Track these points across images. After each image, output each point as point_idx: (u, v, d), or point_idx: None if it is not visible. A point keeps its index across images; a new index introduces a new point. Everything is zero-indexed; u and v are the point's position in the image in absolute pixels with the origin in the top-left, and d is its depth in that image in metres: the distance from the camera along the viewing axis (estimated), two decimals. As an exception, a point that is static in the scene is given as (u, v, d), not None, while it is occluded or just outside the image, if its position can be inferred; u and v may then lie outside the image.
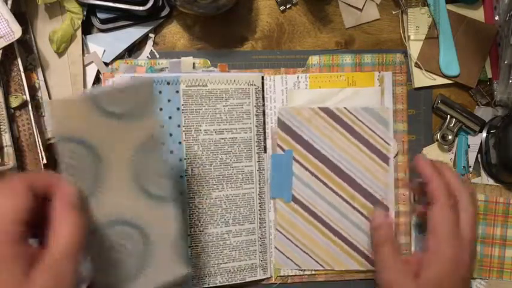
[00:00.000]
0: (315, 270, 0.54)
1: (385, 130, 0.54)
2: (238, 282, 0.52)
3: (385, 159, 0.54)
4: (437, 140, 0.56)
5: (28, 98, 0.49)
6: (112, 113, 0.38)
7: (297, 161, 0.54)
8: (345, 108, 0.54)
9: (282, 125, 0.54)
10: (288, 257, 0.54)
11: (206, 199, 0.52)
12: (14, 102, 0.48)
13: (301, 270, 0.54)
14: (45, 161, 0.50)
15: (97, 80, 0.54)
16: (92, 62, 0.54)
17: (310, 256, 0.54)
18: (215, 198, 0.52)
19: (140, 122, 0.39)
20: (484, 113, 0.57)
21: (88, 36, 0.54)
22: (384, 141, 0.54)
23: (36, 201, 0.34)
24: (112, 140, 0.38)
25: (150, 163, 0.40)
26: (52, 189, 0.35)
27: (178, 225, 0.42)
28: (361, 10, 0.57)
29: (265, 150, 0.54)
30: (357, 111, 0.54)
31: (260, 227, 0.53)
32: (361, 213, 0.54)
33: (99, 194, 0.39)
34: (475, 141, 0.57)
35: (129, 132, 0.39)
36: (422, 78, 0.56)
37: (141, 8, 0.52)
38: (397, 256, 0.47)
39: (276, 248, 0.54)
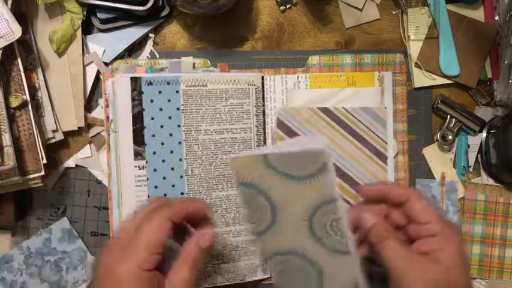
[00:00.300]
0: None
1: (383, 130, 0.54)
2: (239, 282, 0.52)
3: (383, 158, 0.54)
4: (437, 140, 0.56)
5: (28, 98, 0.49)
6: (285, 173, 0.44)
7: None
8: (343, 108, 0.54)
9: (282, 125, 0.54)
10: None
11: (206, 199, 0.52)
12: (14, 102, 0.48)
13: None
14: (45, 161, 0.50)
15: (97, 79, 0.54)
16: (92, 62, 0.54)
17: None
18: (215, 198, 0.52)
19: (314, 180, 0.44)
20: (484, 113, 0.57)
21: (88, 36, 0.54)
22: (382, 140, 0.54)
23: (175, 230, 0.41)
24: (284, 191, 0.45)
25: (326, 216, 0.45)
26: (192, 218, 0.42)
27: (357, 276, 0.45)
28: (361, 10, 0.57)
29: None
30: (355, 111, 0.54)
31: None
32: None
33: (270, 233, 0.46)
34: (475, 141, 0.57)
35: (303, 188, 0.45)
36: (422, 78, 0.56)
37: (141, 8, 0.52)
38: (406, 245, 0.41)
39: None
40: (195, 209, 0.42)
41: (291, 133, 0.54)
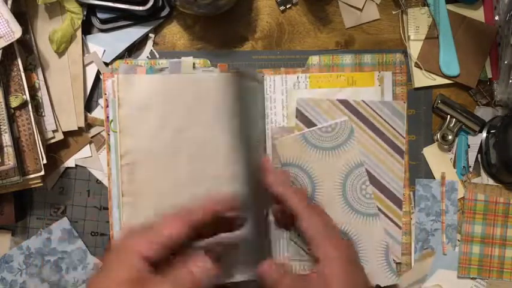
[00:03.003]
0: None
1: (402, 124, 0.55)
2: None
3: (400, 153, 0.55)
4: (437, 140, 0.56)
5: (28, 98, 0.49)
6: (319, 146, 0.53)
7: None
8: (362, 101, 0.54)
9: (301, 115, 0.54)
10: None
11: None
12: (14, 102, 0.48)
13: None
14: (45, 161, 0.50)
15: (97, 79, 0.54)
16: (92, 62, 0.54)
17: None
18: None
19: (343, 152, 0.53)
20: (484, 113, 0.57)
21: (88, 36, 0.54)
22: (400, 134, 0.55)
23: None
24: (320, 164, 0.53)
25: (356, 181, 0.53)
26: None
27: (385, 237, 0.53)
28: (361, 10, 0.57)
29: (265, 151, 0.54)
30: (375, 104, 0.54)
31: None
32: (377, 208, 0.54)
33: None
34: (475, 141, 0.57)
35: (333, 159, 0.53)
36: (422, 78, 0.56)
37: (141, 8, 0.52)
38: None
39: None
40: (213, 213, 0.41)
41: (309, 124, 0.54)
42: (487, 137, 0.56)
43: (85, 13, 0.53)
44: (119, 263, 0.37)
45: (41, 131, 0.51)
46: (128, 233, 0.39)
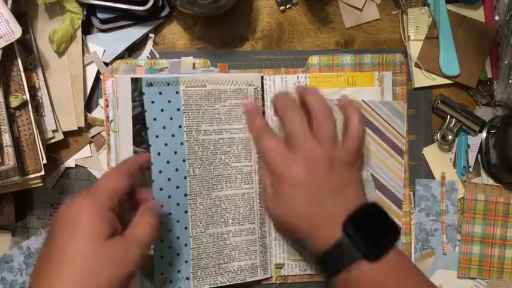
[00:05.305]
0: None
1: (402, 124, 0.55)
2: (239, 282, 0.52)
3: (400, 153, 0.55)
4: (437, 140, 0.56)
5: (28, 98, 0.49)
6: None
7: None
8: (362, 100, 0.54)
9: None
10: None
11: (206, 199, 0.51)
12: (14, 102, 0.48)
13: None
14: (45, 161, 0.50)
15: (97, 79, 0.54)
16: (92, 62, 0.54)
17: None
18: (215, 198, 0.52)
19: None
20: (484, 113, 0.57)
21: (88, 36, 0.54)
22: (400, 134, 0.55)
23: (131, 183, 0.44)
24: None
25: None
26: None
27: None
28: (361, 10, 0.57)
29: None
30: (375, 104, 0.54)
31: (260, 227, 0.53)
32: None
33: None
34: (475, 141, 0.57)
35: None
36: (422, 78, 0.56)
37: (141, 8, 0.52)
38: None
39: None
40: (144, 161, 0.48)
41: None
42: (487, 137, 0.56)
43: (85, 13, 0.53)
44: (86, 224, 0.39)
45: (41, 131, 0.51)
46: (77, 199, 0.41)
